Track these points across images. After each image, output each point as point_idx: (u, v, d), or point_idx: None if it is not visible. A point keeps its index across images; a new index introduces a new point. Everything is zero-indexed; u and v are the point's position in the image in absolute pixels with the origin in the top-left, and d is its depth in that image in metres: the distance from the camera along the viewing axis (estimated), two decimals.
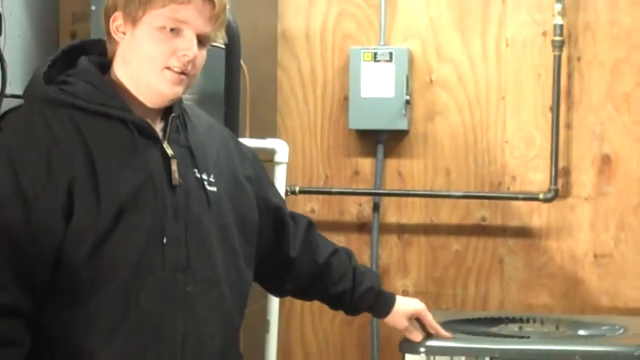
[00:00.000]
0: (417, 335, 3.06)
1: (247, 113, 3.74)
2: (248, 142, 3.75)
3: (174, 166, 2.38)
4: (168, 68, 2.35)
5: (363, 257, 4.39)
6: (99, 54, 2.43)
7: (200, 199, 2.42)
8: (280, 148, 3.98)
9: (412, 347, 3.31)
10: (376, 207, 4.44)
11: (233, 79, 3.37)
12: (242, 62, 3.43)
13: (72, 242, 2.27)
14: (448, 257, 4.41)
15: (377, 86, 4.33)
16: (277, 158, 3.95)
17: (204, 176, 2.45)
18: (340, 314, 4.39)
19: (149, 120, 2.40)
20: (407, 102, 4.32)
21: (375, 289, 2.88)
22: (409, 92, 4.33)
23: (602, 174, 4.29)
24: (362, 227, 4.46)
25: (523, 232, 4.36)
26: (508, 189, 4.36)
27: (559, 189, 4.26)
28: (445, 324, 3.56)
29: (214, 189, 2.46)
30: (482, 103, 4.37)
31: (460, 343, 3.36)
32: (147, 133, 2.37)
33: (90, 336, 2.29)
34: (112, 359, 2.30)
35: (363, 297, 2.85)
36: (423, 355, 3.30)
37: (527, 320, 3.79)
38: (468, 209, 4.40)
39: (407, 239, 4.44)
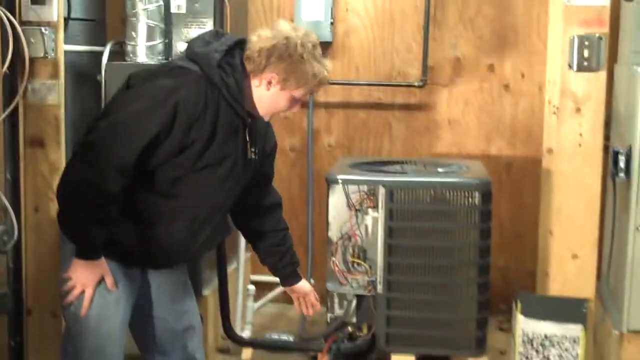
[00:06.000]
0: (306, 310, 2.85)
1: (228, 30, 3.69)
2: None
3: (250, 148, 2.49)
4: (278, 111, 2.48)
5: (302, 123, 4.41)
6: (242, 49, 2.43)
7: (250, 164, 2.52)
8: None
9: (334, 179, 3.37)
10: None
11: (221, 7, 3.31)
12: None
13: (172, 165, 2.36)
14: (357, 123, 4.43)
15: (313, 13, 4.28)
16: None
17: (254, 149, 2.53)
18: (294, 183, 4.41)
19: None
20: (332, 23, 4.29)
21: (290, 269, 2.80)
22: (333, 17, 4.29)
23: (455, 70, 4.32)
24: (303, 104, 4.40)
25: (404, 107, 4.38)
26: (395, 79, 4.36)
27: (427, 79, 4.27)
28: (356, 165, 3.62)
29: (254, 157, 2.53)
30: (379, 25, 4.34)
31: (363, 177, 3.43)
32: (245, 125, 2.45)
33: (176, 218, 2.43)
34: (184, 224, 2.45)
35: (284, 271, 2.79)
36: (341, 184, 3.35)
37: (406, 163, 3.87)
38: (370, 92, 4.40)
39: (331, 111, 4.44)
